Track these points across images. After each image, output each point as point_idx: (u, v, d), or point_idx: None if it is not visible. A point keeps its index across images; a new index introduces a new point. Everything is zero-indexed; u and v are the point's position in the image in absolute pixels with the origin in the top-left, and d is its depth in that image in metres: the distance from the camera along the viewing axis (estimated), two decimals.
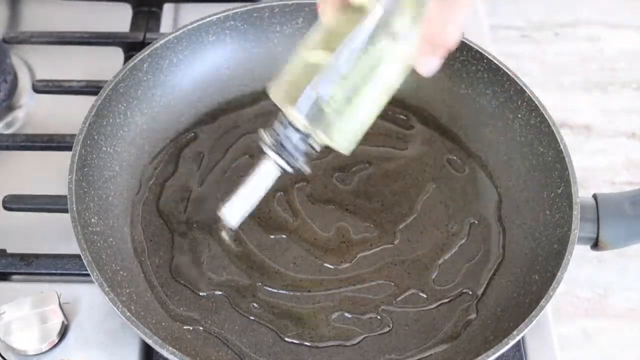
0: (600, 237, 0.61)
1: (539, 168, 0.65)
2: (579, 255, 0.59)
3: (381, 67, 0.50)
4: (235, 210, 0.56)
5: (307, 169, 0.54)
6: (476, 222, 0.66)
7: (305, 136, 0.52)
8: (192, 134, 0.70)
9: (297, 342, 0.60)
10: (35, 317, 0.58)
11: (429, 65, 0.51)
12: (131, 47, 0.78)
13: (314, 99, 0.50)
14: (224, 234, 0.62)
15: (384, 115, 0.71)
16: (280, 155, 0.53)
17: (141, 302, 0.59)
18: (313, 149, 0.53)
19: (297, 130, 0.52)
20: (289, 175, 0.67)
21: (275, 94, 0.52)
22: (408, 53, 0.50)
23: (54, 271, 0.63)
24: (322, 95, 0.49)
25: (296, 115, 0.51)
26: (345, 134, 0.52)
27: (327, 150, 0.70)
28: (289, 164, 0.53)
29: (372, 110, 0.52)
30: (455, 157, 0.70)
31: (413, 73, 0.71)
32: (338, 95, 0.50)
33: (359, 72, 0.50)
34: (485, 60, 0.68)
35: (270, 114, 0.71)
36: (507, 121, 0.68)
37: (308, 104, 0.50)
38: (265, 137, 0.53)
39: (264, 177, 0.54)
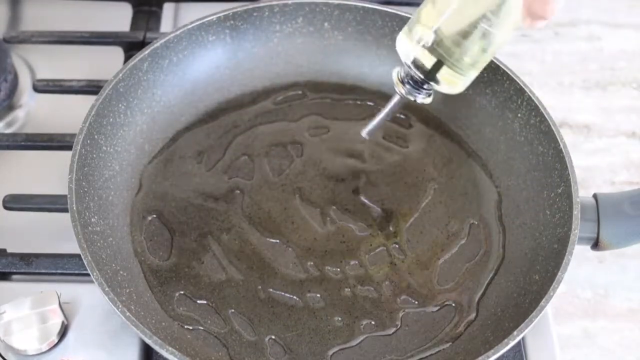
0: (600, 237, 0.61)
1: (539, 168, 0.65)
2: (579, 255, 0.59)
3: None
4: (370, 125, 0.64)
5: (425, 101, 0.61)
6: (476, 222, 0.66)
7: (424, 80, 0.60)
8: (193, 133, 0.70)
9: (298, 342, 0.60)
10: (35, 317, 0.58)
11: (534, 27, 0.56)
12: (131, 46, 0.79)
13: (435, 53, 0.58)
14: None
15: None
16: (404, 88, 0.61)
17: (141, 302, 0.59)
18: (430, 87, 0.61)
19: (417, 75, 0.59)
20: (289, 176, 0.68)
21: (401, 43, 0.60)
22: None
23: (54, 271, 0.63)
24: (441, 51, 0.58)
25: (419, 63, 0.59)
26: (457, 82, 0.60)
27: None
28: (411, 95, 0.61)
29: (484, 60, 0.59)
30: (455, 157, 0.70)
31: None
32: (455, 52, 0.57)
33: (472, 34, 0.57)
34: None
35: (270, 113, 0.72)
36: (507, 121, 0.68)
37: (426, 55, 0.58)
38: (395, 74, 0.61)
39: (392, 103, 0.62)
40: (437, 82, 0.59)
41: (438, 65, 0.58)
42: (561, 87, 0.89)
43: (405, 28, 0.59)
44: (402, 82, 0.60)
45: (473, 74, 0.59)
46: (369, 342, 0.60)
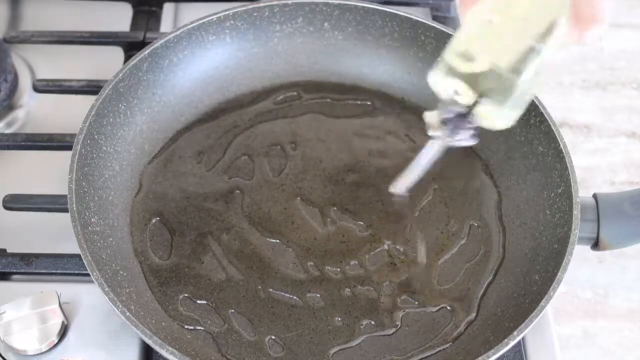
0: (600, 237, 0.61)
1: (539, 168, 0.65)
2: (579, 255, 0.59)
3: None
4: (403, 180, 0.61)
5: (470, 142, 0.56)
6: (476, 222, 0.66)
7: (465, 115, 0.54)
8: (193, 133, 0.70)
9: (298, 342, 0.60)
10: (35, 317, 0.58)
11: (584, 38, 0.51)
12: (131, 46, 0.79)
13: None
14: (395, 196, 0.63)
15: (383, 114, 0.72)
16: (444, 130, 0.56)
17: (141, 302, 0.59)
18: (471, 125, 0.55)
19: (459, 109, 0.54)
20: (289, 176, 0.68)
21: (438, 79, 0.54)
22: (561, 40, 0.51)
23: (54, 271, 0.63)
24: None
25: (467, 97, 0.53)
26: (504, 116, 0.54)
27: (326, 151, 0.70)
28: (452, 137, 0.56)
29: (531, 90, 0.53)
30: (455, 157, 0.70)
31: (411, 74, 0.72)
32: (499, 87, 0.52)
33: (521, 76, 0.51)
34: None
35: (270, 113, 0.72)
36: None
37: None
38: (432, 118, 0.56)
39: (428, 151, 0.58)
40: (476, 118, 0.54)
41: (477, 101, 0.53)
42: (561, 87, 0.89)
43: (445, 63, 0.53)
44: (442, 124, 0.55)
45: (517, 109, 0.53)
46: (369, 342, 0.60)
